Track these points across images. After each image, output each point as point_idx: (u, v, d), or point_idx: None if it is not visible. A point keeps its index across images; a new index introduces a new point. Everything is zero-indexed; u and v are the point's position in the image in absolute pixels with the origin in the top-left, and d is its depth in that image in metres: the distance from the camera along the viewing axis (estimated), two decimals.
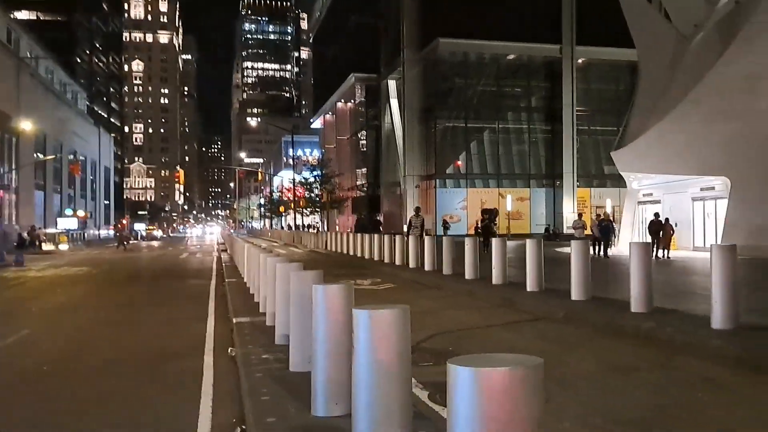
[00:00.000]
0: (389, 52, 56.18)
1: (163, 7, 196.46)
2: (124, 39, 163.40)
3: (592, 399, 4.93)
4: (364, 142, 63.46)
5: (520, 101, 52.05)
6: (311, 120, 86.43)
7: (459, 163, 51.30)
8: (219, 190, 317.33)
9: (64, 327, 9.65)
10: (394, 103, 55.92)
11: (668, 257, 20.37)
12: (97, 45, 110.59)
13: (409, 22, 50.32)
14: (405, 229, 23.23)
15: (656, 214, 21.10)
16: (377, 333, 3.41)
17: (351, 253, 24.69)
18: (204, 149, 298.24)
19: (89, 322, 10.08)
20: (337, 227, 67.22)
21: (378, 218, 44.25)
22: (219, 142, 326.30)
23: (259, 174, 60.27)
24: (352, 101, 67.44)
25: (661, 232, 20.29)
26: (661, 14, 31.60)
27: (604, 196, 51.11)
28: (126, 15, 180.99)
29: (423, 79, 50.92)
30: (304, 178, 59.19)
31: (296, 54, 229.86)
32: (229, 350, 7.03)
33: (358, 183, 65.23)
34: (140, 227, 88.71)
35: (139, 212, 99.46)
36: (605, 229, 21.14)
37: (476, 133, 50.75)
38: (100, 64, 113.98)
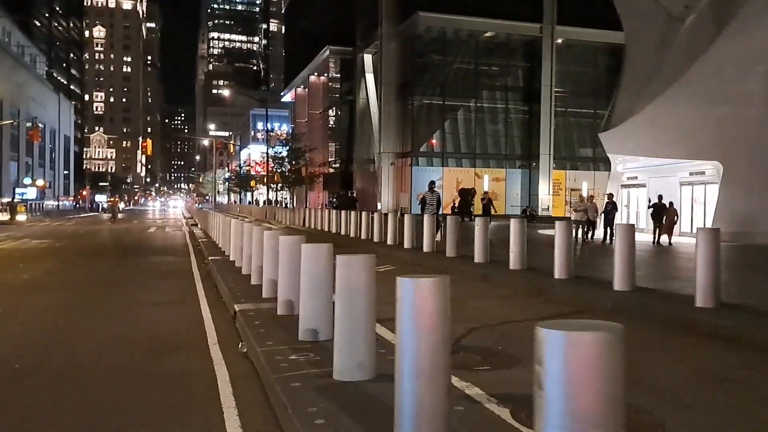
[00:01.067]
0: (366, 26, 54.64)
1: None
2: (85, 3, 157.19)
3: (717, 422, 4.05)
4: (338, 117, 61.97)
5: (498, 80, 51.18)
6: (282, 93, 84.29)
7: (434, 141, 50.42)
8: (182, 163, 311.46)
9: (34, 312, 8.44)
10: (369, 77, 54.54)
11: (670, 243, 19.78)
12: (57, 8, 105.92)
13: None
14: (400, 206, 21.80)
15: (660, 197, 20.45)
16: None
17: (333, 230, 23.65)
18: (167, 121, 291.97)
19: (62, 306, 8.87)
20: (306, 204, 65.92)
21: (353, 195, 43.08)
22: (182, 114, 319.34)
23: (231, 147, 58.19)
24: (326, 75, 65.72)
25: (664, 218, 19.52)
26: None
27: (579, 178, 50.96)
28: None
29: (401, 54, 49.66)
30: (276, 152, 57.54)
31: (265, 26, 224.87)
32: (239, 345, 5.99)
33: (330, 159, 63.88)
34: (101, 199, 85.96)
35: (100, 183, 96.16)
36: (610, 214, 20.42)
37: (453, 111, 49.78)
38: (60, 28, 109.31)
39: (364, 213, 20.55)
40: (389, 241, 17.01)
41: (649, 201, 21.54)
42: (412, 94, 48.41)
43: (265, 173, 67.81)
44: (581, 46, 51.15)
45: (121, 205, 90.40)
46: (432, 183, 16.22)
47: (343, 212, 23.66)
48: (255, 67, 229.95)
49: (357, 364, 4.24)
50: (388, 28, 49.06)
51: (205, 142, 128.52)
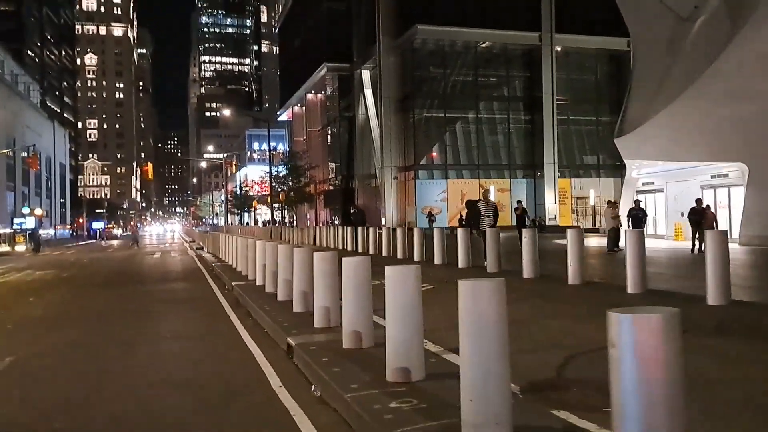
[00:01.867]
0: (362, 41, 54.21)
1: None
2: (76, 31, 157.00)
3: None
4: (337, 133, 61.33)
5: (499, 90, 50.65)
6: (278, 113, 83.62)
7: (434, 154, 49.77)
8: (176, 186, 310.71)
9: (57, 352, 7.59)
10: (368, 93, 53.99)
11: (701, 250, 18.92)
12: (49, 37, 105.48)
13: (385, 9, 48.45)
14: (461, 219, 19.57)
15: (698, 201, 19.59)
16: None
17: (348, 248, 22.83)
18: (160, 145, 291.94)
19: (87, 344, 8.03)
20: (308, 222, 65.07)
21: (358, 211, 42.25)
22: (176, 138, 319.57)
23: (234, 166, 57.09)
24: (323, 92, 65.23)
25: (702, 222, 18.47)
26: None
27: (584, 186, 50.35)
28: (78, 7, 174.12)
29: (400, 67, 49.16)
30: (277, 171, 56.88)
31: (256, 47, 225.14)
32: (312, 388, 5.17)
33: (331, 176, 63.18)
34: (98, 226, 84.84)
35: (97, 210, 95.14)
36: (640, 222, 19.52)
37: (455, 122, 49.21)
38: (52, 56, 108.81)
39: (384, 228, 19.76)
40: (416, 257, 16.21)
41: (700, 203, 20.07)
42: (413, 107, 47.85)
43: (264, 193, 67.16)
44: (580, 54, 50.81)
45: (118, 231, 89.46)
46: (486, 192, 14.49)
47: (357, 228, 22.89)
48: (247, 89, 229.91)
49: (493, 417, 3.42)
50: (386, 43, 48.60)
51: (203, 164, 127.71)
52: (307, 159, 55.79)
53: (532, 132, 49.79)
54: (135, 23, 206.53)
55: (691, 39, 26.21)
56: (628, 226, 19.21)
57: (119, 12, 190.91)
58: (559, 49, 48.99)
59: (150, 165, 57.62)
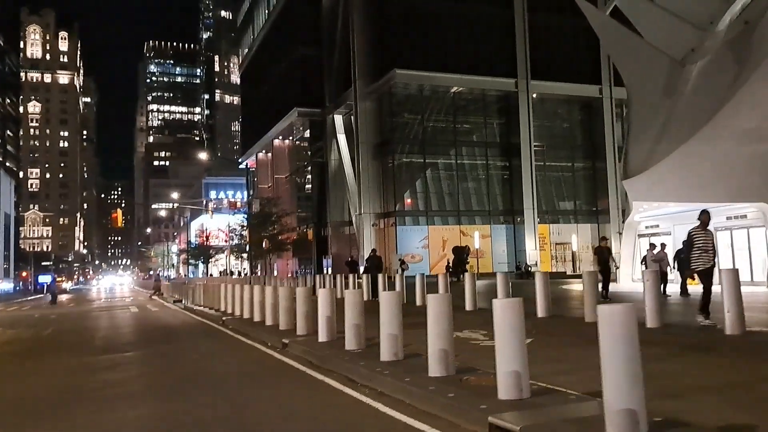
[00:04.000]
0: (335, 86, 53.34)
1: (63, 46, 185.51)
2: (21, 78, 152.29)
3: None
4: (308, 180, 59.72)
5: (478, 135, 50.25)
6: (240, 160, 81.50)
7: (409, 201, 48.64)
8: (119, 238, 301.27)
9: None
10: (341, 138, 52.83)
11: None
12: None
13: (361, 54, 47.81)
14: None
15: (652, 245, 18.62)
16: None
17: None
18: (103, 196, 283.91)
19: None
20: (275, 272, 62.51)
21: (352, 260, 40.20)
22: (119, 188, 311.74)
23: (209, 211, 54.08)
24: (290, 138, 63.78)
25: None
26: (644, 41, 30.42)
27: (563, 232, 49.99)
28: (22, 54, 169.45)
29: (376, 112, 48.36)
30: (244, 219, 54.64)
31: (207, 96, 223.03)
32: None
33: (303, 224, 61.22)
34: (46, 279, 79.78)
35: (43, 263, 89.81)
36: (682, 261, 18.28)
37: (434, 168, 48.40)
38: None
39: (418, 275, 18.10)
40: (468, 307, 14.64)
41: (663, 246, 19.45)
42: (393, 152, 46.85)
43: (230, 243, 64.50)
44: (554, 100, 51.14)
45: (68, 285, 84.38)
46: (706, 213, 9.77)
47: (369, 276, 21.14)
48: (197, 138, 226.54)
49: None
50: (362, 87, 47.79)
51: (162, 213, 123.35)
52: (280, 206, 53.75)
53: (510, 177, 49.37)
54: (81, 71, 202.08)
55: (693, 81, 26.03)
56: (673, 268, 18.21)
57: (65, 60, 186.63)
58: (534, 95, 49.13)
59: (120, 212, 54.44)
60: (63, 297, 55.19)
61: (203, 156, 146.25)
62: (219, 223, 79.14)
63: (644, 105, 29.02)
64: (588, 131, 51.68)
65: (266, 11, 67.04)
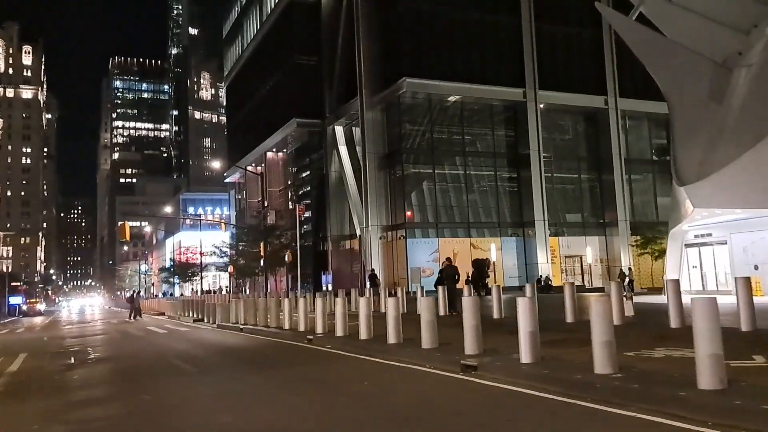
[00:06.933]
0: (335, 96, 51.79)
1: (27, 60, 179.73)
2: None
3: None
4: (306, 193, 57.72)
5: (486, 145, 48.98)
6: (225, 174, 78.87)
7: (409, 214, 46.98)
8: (78, 258, 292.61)
9: None
10: (343, 149, 51.18)
11: None
12: None
13: (367, 63, 46.42)
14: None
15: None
16: None
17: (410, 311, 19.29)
18: (62, 215, 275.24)
19: None
20: (265, 289, 60.10)
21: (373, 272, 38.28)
22: (79, 207, 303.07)
23: (222, 225, 50.85)
24: (284, 150, 61.84)
25: None
26: (680, 45, 29.72)
27: (572, 245, 49.05)
28: None
29: (383, 122, 46.88)
30: (233, 237, 52.39)
31: (175, 112, 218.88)
32: None
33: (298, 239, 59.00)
34: (17, 301, 75.70)
35: (13, 284, 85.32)
36: None
37: (443, 179, 46.95)
38: None
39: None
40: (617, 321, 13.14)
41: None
42: (401, 163, 45.33)
43: (220, 259, 61.88)
44: (562, 111, 50.34)
45: (42, 306, 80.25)
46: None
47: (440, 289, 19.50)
48: (165, 154, 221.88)
49: None
50: (368, 96, 46.33)
51: (148, 229, 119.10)
52: (285, 219, 51.62)
53: (519, 189, 48.27)
54: (45, 86, 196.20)
55: (749, 85, 25.21)
56: None
57: (29, 74, 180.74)
58: (542, 106, 48.29)
59: (126, 225, 51.48)
60: (36, 319, 51.63)
61: (167, 176, 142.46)
62: (198, 239, 76.36)
63: (688, 110, 28.12)
64: (594, 142, 51.07)
65: (258, 22, 65.24)
